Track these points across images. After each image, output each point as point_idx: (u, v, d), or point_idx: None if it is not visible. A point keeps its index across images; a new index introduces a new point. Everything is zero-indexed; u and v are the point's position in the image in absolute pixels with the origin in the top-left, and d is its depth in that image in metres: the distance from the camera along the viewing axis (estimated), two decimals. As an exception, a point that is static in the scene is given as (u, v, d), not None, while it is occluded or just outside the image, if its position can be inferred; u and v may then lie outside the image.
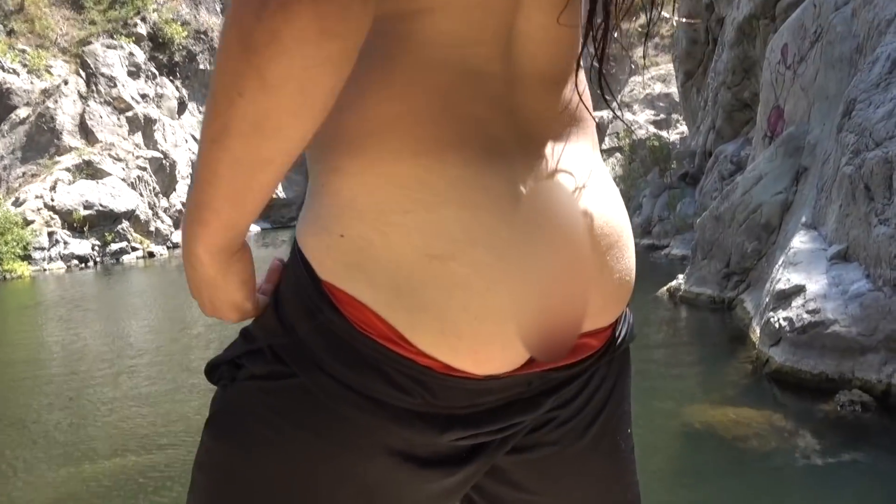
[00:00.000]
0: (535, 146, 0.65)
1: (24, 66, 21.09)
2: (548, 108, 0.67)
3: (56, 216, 19.25)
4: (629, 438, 0.80)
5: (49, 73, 21.33)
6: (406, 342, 0.62)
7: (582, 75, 0.72)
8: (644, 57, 21.40)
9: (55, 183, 19.85)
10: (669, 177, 13.16)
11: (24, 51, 21.26)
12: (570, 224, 0.65)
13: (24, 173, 20.08)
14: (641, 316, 6.39)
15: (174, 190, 24.05)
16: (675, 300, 7.68)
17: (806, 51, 7.11)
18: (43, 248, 18.34)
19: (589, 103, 0.73)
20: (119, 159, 21.47)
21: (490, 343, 0.63)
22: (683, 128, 17.42)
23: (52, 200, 19.41)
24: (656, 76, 21.92)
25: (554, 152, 0.66)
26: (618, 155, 18.72)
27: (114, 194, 20.23)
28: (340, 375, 0.62)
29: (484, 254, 0.61)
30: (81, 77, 22.11)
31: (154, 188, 22.62)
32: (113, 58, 22.78)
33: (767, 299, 5.18)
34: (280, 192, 27.30)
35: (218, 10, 28.15)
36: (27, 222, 18.50)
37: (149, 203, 21.87)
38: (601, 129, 18.83)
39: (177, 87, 26.23)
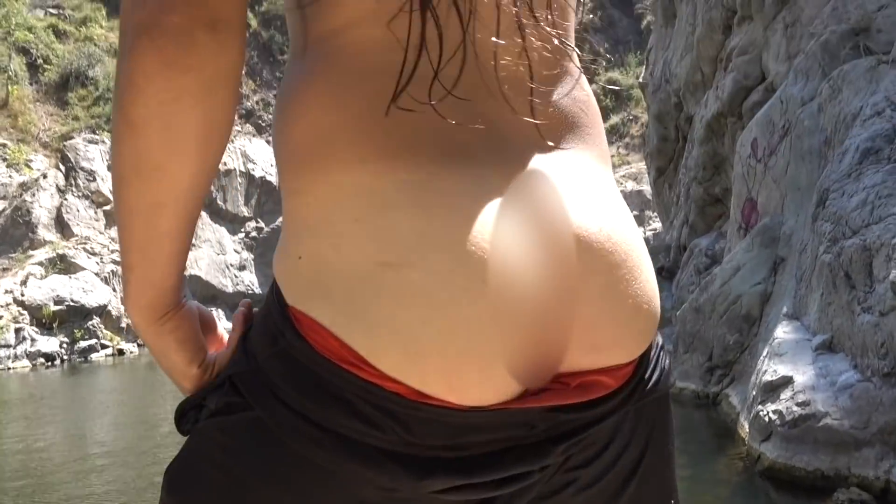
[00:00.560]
0: (514, 154, 0.60)
1: (4, 160, 21.15)
2: (539, 115, 0.62)
3: (25, 312, 18.72)
4: None
5: (28, 167, 21.41)
6: (366, 364, 0.55)
7: (584, 82, 0.68)
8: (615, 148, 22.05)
9: (27, 277, 19.50)
10: (646, 271, 13.23)
11: (4, 145, 21.40)
12: (554, 232, 0.57)
13: (-5, 267, 19.78)
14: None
15: (148, 284, 23.79)
16: (658, 395, 7.52)
17: (775, 144, 7.30)
18: (9, 346, 17.67)
19: (596, 113, 0.68)
20: (94, 253, 21.24)
21: (462, 364, 0.54)
22: (657, 224, 17.71)
23: (23, 296, 18.97)
24: (628, 174, 22.53)
25: (541, 161, 0.61)
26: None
27: (86, 289, 19.84)
28: (296, 404, 0.56)
29: (444, 260, 0.54)
30: (61, 171, 22.20)
31: (128, 282, 22.37)
32: (94, 152, 22.91)
33: (755, 392, 5.03)
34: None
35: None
36: (-6, 319, 18.05)
37: (121, 298, 21.37)
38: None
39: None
